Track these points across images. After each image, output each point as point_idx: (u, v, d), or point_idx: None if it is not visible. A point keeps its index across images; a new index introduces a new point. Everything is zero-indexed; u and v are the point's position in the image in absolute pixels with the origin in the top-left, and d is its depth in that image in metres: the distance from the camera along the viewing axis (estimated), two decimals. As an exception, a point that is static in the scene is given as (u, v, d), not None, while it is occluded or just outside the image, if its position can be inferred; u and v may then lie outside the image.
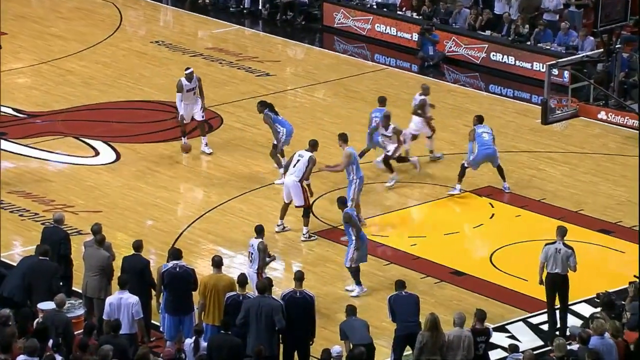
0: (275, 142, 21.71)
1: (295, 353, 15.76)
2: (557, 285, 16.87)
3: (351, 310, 15.55)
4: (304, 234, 19.64)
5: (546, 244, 17.17)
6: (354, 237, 17.85)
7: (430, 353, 14.93)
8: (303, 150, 19.92)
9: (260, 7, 31.25)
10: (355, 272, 17.96)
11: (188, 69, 22.73)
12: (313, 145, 19.98)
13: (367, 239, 18.21)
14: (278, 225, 19.86)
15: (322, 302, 17.07)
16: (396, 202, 21.14)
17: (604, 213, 20.52)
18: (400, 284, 16.08)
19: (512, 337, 16.80)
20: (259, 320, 15.21)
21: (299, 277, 15.83)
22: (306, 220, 19.60)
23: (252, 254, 16.99)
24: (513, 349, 15.06)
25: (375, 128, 21.63)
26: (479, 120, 21.12)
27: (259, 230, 17.30)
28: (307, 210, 19.70)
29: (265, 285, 15.61)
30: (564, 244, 17.01)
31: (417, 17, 29.00)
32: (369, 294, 17.82)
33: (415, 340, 15.08)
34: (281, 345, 15.68)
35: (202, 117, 22.70)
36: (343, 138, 20.31)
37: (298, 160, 19.75)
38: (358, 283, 18.02)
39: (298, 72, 28.06)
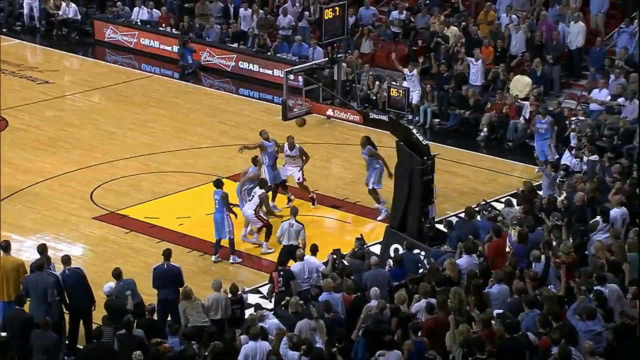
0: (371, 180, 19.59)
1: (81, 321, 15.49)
2: (291, 254, 17.10)
3: (117, 275, 15.40)
4: None
5: (282, 221, 17.74)
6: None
7: (196, 315, 15.11)
8: None
9: (37, 24, 30.69)
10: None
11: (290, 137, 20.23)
12: None
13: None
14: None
15: (102, 276, 16.68)
16: (165, 189, 21.13)
17: (334, 192, 20.99)
18: (165, 253, 15.94)
19: (264, 297, 17.05)
20: (36, 294, 14.95)
21: (65, 260, 15.51)
22: None
23: None
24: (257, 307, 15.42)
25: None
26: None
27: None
28: None
29: (42, 262, 15.23)
30: (296, 221, 17.56)
31: (176, 32, 29.13)
32: (144, 267, 17.41)
33: (172, 304, 15.41)
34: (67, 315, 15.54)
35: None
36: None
37: None
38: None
39: (75, 80, 27.56)
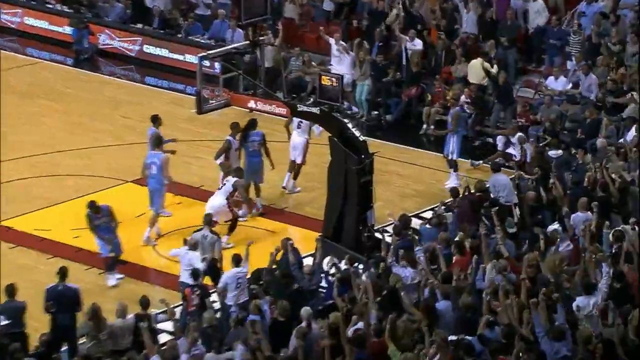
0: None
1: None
2: (211, 269, 17.16)
3: (10, 292, 15.49)
4: None
5: (194, 231, 17.74)
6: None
7: (97, 340, 15.08)
8: None
9: None
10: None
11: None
12: None
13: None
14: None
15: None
16: (59, 195, 20.88)
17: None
18: (61, 272, 15.93)
19: (177, 320, 16.93)
20: None
21: None
22: None
23: None
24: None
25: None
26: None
27: None
28: None
29: None
30: (211, 231, 17.50)
31: (68, 10, 28.60)
32: (34, 288, 17.06)
33: (58, 326, 15.39)
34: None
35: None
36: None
37: None
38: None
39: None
